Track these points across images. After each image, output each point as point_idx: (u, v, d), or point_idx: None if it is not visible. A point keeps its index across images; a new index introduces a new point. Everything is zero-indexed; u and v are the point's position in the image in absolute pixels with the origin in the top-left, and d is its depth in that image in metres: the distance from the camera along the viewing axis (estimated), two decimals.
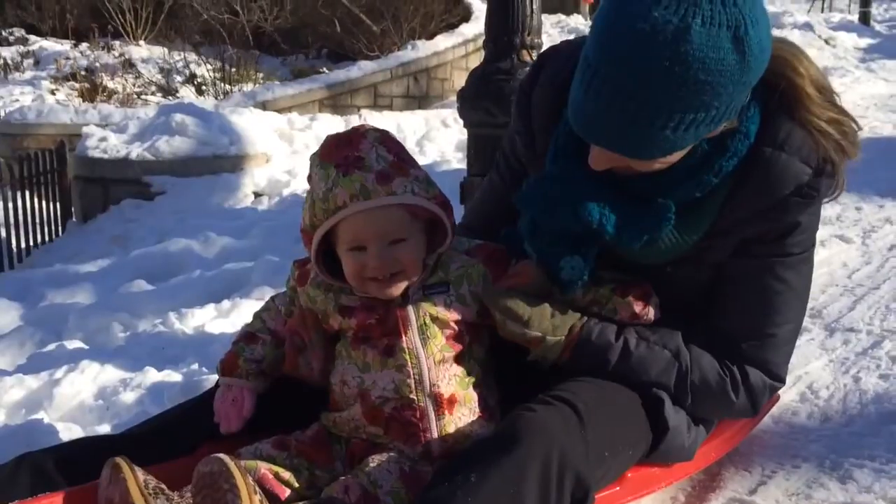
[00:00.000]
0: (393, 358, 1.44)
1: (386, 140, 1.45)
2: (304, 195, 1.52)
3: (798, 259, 1.54)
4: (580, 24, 12.37)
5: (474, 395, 1.49)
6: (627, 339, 1.50)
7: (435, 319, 1.46)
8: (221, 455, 1.30)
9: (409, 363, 1.44)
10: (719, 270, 1.55)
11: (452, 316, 1.47)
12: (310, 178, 1.46)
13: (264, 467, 1.42)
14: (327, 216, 1.41)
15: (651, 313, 1.51)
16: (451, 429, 1.45)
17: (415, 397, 1.44)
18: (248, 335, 1.64)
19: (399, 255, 1.42)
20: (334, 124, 7.99)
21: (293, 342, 1.56)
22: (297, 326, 1.56)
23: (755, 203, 1.46)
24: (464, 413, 1.47)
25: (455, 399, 1.46)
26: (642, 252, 1.49)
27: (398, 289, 1.44)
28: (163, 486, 1.38)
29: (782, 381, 1.62)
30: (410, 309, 1.45)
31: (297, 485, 1.44)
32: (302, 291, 1.56)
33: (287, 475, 1.43)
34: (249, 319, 1.70)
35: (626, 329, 1.51)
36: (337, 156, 1.41)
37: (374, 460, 1.40)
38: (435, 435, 1.44)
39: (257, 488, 1.30)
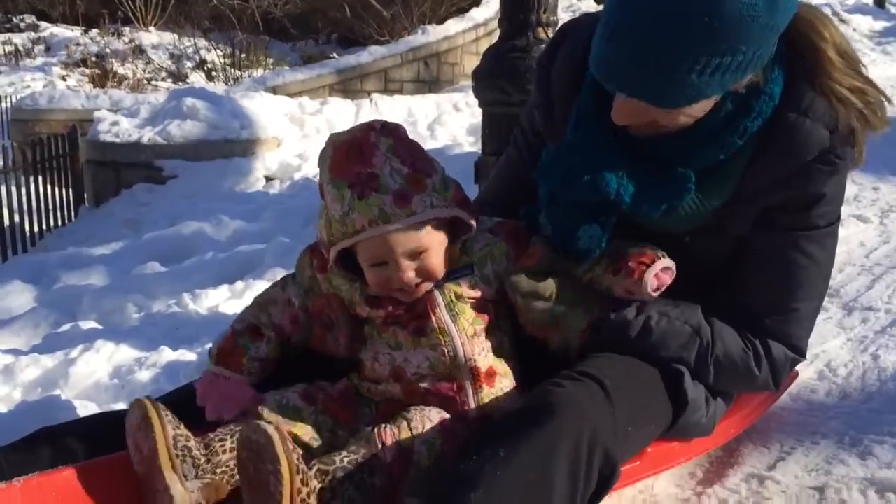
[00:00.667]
0: (426, 338, 1.43)
1: (398, 147, 1.39)
2: (315, 179, 1.48)
3: (823, 233, 1.51)
4: (591, 7, 12.29)
5: (510, 366, 1.48)
6: (649, 316, 1.48)
7: (460, 297, 1.45)
8: (269, 429, 1.25)
9: (443, 341, 1.43)
10: (741, 244, 1.53)
11: (476, 294, 1.46)
12: (321, 190, 1.41)
13: (285, 427, 1.39)
14: (346, 237, 1.38)
15: (649, 283, 1.41)
16: (488, 401, 1.44)
17: (452, 373, 1.43)
18: (253, 329, 1.56)
19: (423, 265, 1.41)
20: (345, 108, 7.98)
21: (321, 321, 1.54)
22: (323, 307, 1.53)
23: (778, 169, 1.44)
24: (505, 385, 1.46)
25: (494, 371, 1.45)
26: (662, 221, 1.47)
27: (424, 291, 1.43)
28: (190, 443, 1.37)
29: (804, 356, 1.60)
30: (436, 291, 1.44)
31: (315, 447, 1.42)
32: (324, 278, 1.51)
33: (308, 436, 1.42)
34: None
35: (647, 306, 1.49)
36: (349, 172, 1.36)
37: (417, 408, 1.39)
38: (473, 407, 1.43)
39: (301, 466, 1.26)
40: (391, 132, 1.40)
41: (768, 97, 1.40)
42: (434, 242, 1.41)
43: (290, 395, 1.46)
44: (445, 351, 1.43)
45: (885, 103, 1.47)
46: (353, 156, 1.37)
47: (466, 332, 1.44)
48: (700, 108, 1.36)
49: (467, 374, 1.43)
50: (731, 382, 1.58)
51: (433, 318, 1.43)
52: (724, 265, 1.55)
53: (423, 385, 1.44)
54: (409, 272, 1.39)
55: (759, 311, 1.53)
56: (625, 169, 1.43)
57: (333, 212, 1.38)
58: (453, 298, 1.44)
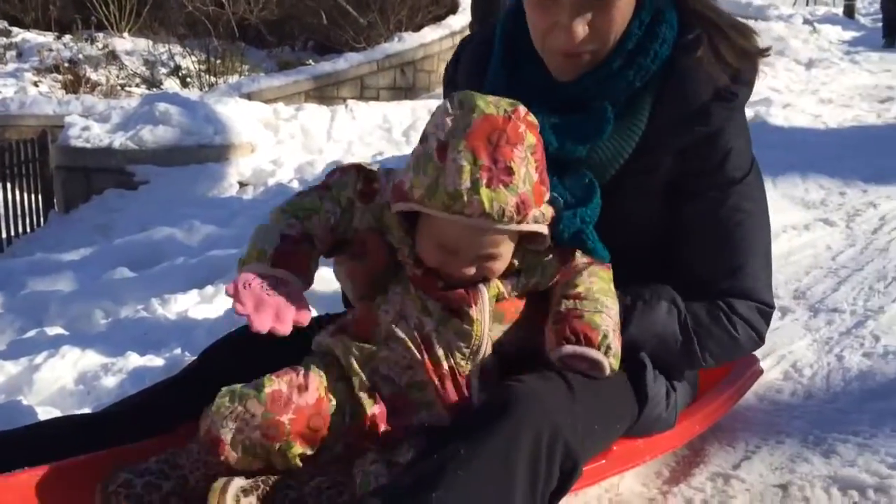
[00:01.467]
0: (458, 320, 1.35)
1: (538, 149, 1.32)
2: (411, 157, 1.35)
3: (744, 184, 1.56)
4: None
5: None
6: (627, 297, 1.49)
7: (500, 297, 1.39)
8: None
9: (474, 333, 1.36)
10: (672, 223, 1.56)
11: (513, 300, 1.41)
12: (442, 151, 1.28)
13: (249, 481, 1.30)
14: (446, 211, 1.28)
15: (557, 354, 1.36)
16: None
17: (465, 368, 1.36)
18: (308, 238, 1.38)
19: (489, 266, 1.36)
20: (320, 114, 7.95)
21: (353, 251, 1.43)
22: (363, 239, 1.41)
23: (678, 109, 1.51)
24: None
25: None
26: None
27: (474, 282, 1.37)
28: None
29: (770, 306, 1.62)
30: (482, 284, 1.38)
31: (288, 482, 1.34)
32: (364, 209, 1.40)
33: (279, 481, 1.33)
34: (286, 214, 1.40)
35: (627, 288, 1.50)
36: (488, 152, 1.26)
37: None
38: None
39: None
40: (535, 129, 1.33)
41: (668, 25, 1.52)
42: (510, 250, 1.37)
43: (254, 436, 1.28)
44: (472, 343, 1.36)
45: (749, 29, 1.58)
46: (499, 138, 1.28)
47: (493, 333, 1.38)
48: (626, 3, 1.47)
49: (477, 376, 1.37)
50: (718, 348, 1.57)
51: (474, 308, 1.36)
52: (653, 239, 1.57)
53: (443, 369, 1.35)
54: (473, 269, 1.35)
55: (710, 279, 1.56)
56: (546, 118, 1.46)
57: (449, 181, 1.26)
58: (494, 296, 1.38)
